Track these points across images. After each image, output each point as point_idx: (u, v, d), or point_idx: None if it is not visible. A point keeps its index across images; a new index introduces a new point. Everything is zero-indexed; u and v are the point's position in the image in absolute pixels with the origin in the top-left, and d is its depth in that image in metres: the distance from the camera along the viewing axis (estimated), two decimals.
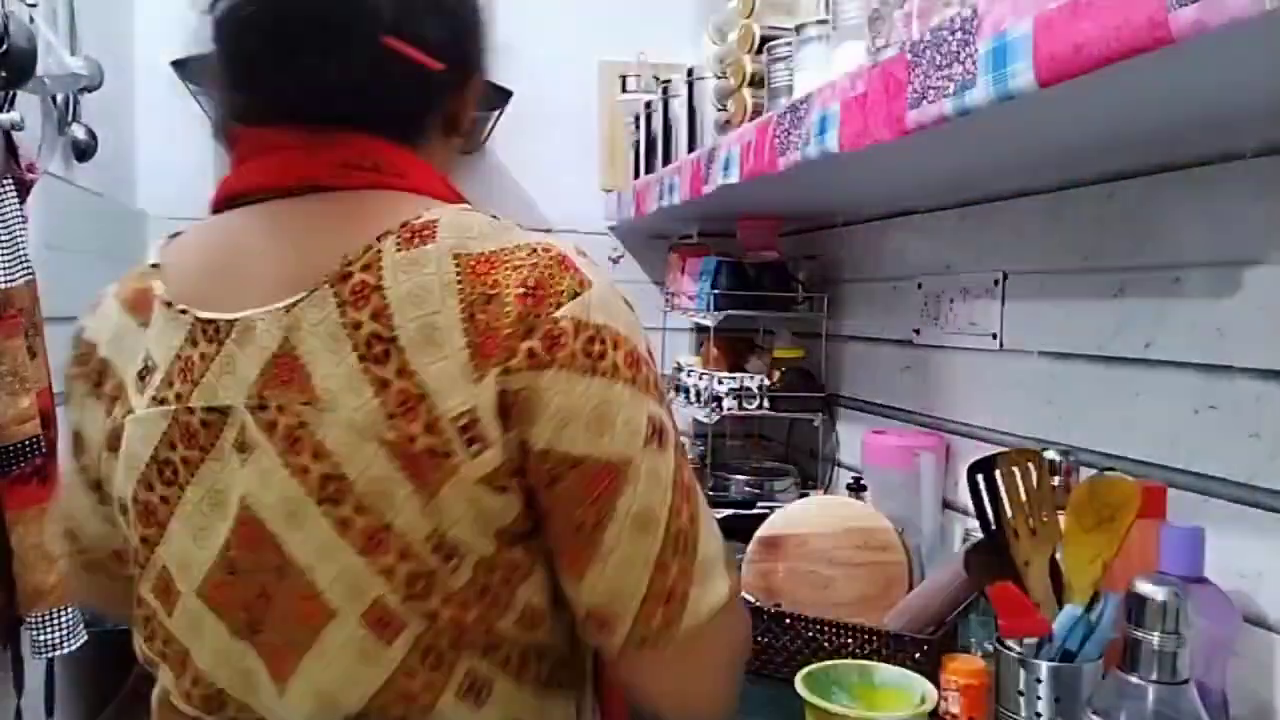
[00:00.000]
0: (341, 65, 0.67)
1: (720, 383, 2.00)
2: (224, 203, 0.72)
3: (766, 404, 2.02)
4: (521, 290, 0.62)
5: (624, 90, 2.28)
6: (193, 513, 0.65)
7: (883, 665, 1.04)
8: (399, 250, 0.63)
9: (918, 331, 1.74)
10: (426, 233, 0.64)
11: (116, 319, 0.72)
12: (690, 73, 1.94)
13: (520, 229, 0.67)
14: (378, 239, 0.64)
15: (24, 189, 1.33)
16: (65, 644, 1.31)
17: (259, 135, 0.71)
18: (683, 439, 0.69)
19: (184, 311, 0.68)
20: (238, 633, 0.65)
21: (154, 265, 0.73)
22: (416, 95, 0.72)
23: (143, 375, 0.68)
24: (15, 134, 1.32)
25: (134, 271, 0.75)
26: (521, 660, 0.67)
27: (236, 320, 0.65)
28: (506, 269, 0.63)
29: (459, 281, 0.62)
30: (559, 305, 0.62)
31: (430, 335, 0.61)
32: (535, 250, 0.64)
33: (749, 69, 1.56)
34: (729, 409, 2.00)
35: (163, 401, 0.66)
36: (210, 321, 0.66)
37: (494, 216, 0.68)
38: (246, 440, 0.63)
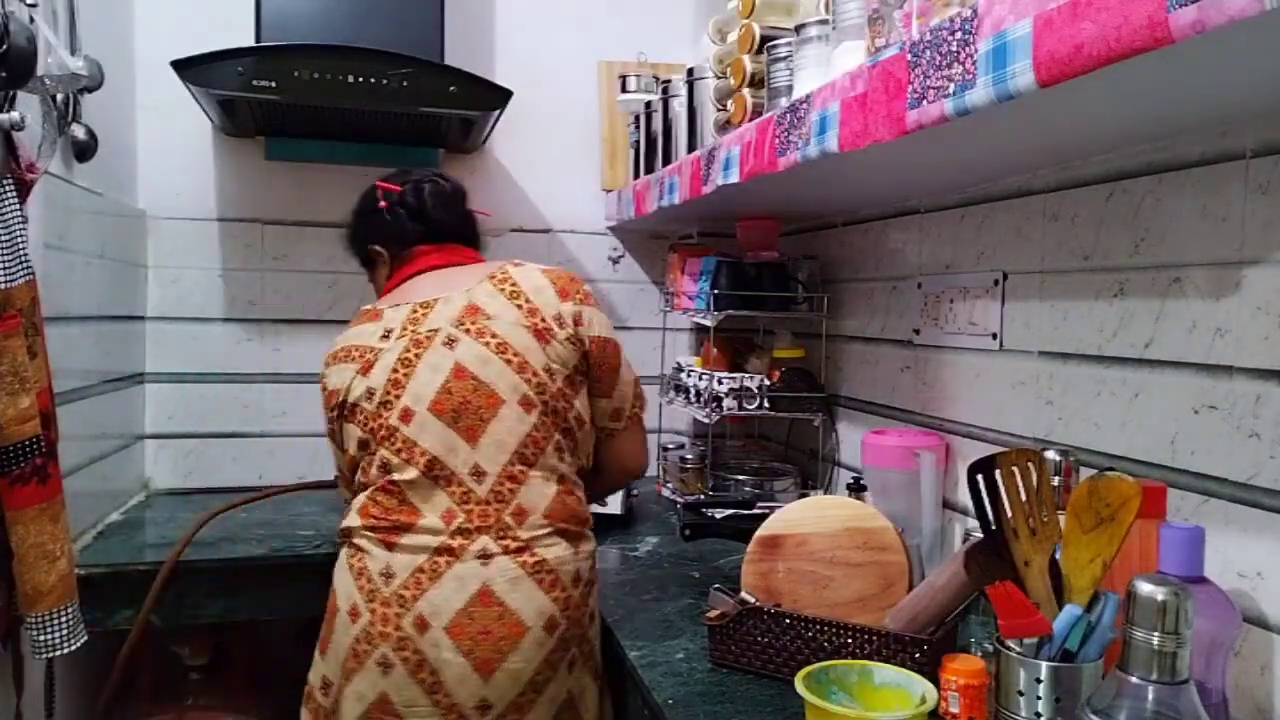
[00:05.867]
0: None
1: (720, 383, 2.00)
2: (416, 271, 1.53)
3: (766, 404, 2.02)
4: (559, 279, 1.50)
5: (624, 90, 2.28)
6: (424, 372, 1.36)
7: (883, 665, 1.04)
8: (515, 268, 1.49)
9: (918, 331, 1.74)
10: (513, 269, 1.49)
11: (355, 329, 1.45)
12: (690, 73, 1.94)
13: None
14: (498, 270, 1.49)
15: (24, 189, 1.32)
16: (65, 644, 1.31)
17: (428, 248, 1.54)
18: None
19: (406, 304, 1.44)
20: (448, 424, 1.34)
21: (371, 308, 1.48)
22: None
23: (385, 335, 1.41)
24: (15, 134, 1.31)
25: (360, 312, 1.49)
26: (572, 446, 1.43)
27: (438, 298, 1.44)
28: (550, 274, 1.51)
29: (544, 273, 1.49)
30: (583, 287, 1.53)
31: (539, 288, 1.45)
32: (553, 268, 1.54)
33: (749, 69, 1.56)
34: (729, 409, 2.00)
35: (402, 336, 1.40)
36: (423, 301, 1.44)
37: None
38: (451, 338, 1.39)
